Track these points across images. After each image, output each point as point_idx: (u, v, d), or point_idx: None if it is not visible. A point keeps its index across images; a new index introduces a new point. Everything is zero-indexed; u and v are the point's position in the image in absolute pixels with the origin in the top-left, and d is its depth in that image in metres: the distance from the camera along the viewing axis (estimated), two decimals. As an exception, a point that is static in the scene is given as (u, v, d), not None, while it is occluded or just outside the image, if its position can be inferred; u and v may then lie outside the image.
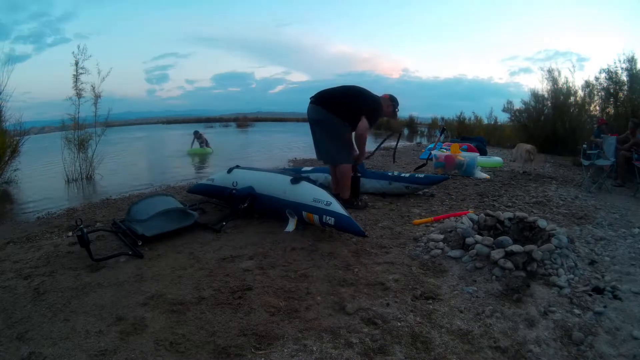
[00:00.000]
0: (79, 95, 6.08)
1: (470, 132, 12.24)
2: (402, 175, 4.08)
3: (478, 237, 2.29)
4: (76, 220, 2.64)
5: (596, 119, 7.81)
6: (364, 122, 3.31)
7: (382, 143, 4.76)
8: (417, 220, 3.07)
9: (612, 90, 8.10)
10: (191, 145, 10.50)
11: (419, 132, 19.64)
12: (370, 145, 4.97)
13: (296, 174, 3.41)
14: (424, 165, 6.07)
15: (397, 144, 4.64)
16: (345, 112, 3.33)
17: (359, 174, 3.66)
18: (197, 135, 10.57)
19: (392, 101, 3.60)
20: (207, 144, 10.51)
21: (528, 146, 5.92)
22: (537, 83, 19.42)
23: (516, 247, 2.09)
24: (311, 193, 2.80)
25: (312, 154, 4.54)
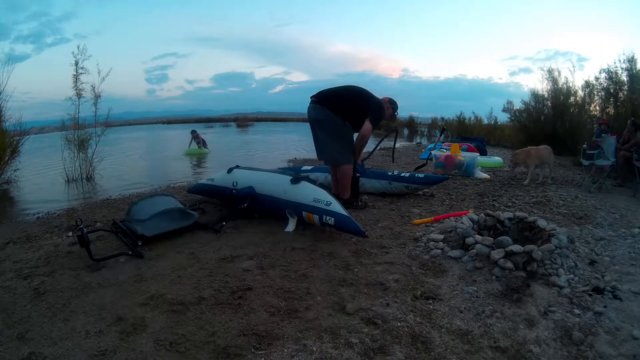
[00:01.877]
0: (79, 95, 6.08)
1: (470, 132, 12.26)
2: (402, 175, 4.08)
3: (478, 237, 2.29)
4: (76, 220, 2.64)
5: (597, 119, 7.81)
6: (367, 124, 3.32)
7: (380, 142, 4.77)
8: (417, 220, 3.07)
9: (612, 90, 8.09)
10: (189, 145, 10.40)
11: (419, 132, 19.65)
12: (370, 144, 4.96)
13: (296, 173, 3.41)
14: (424, 165, 6.07)
15: (395, 143, 4.64)
16: (348, 112, 3.33)
17: (358, 174, 3.66)
18: (194, 135, 10.47)
19: (392, 104, 3.61)
20: (204, 144, 10.41)
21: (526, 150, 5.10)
22: (537, 83, 19.43)
23: (516, 247, 2.09)
24: (311, 193, 2.80)
25: (311, 154, 4.54)
